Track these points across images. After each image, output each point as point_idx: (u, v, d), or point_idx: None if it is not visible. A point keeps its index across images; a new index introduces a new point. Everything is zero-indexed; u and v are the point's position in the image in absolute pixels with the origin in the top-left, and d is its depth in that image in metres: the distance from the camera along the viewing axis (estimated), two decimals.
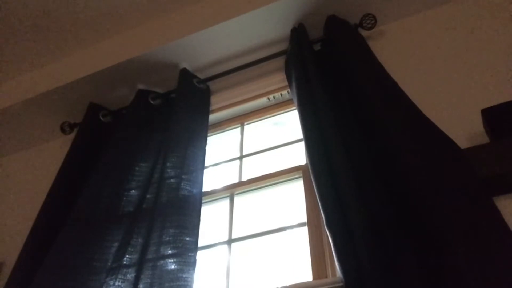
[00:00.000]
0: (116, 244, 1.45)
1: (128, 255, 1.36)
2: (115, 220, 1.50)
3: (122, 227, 1.49)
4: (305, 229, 1.46)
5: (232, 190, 1.73)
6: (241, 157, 1.88)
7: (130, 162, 1.67)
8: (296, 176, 1.66)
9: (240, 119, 2.04)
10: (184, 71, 1.94)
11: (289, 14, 1.81)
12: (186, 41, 1.90)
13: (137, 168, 1.66)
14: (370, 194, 1.19)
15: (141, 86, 2.06)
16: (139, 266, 1.30)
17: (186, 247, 1.33)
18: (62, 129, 2.11)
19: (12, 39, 2.15)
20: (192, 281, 1.27)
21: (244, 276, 1.46)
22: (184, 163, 1.56)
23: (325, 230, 1.33)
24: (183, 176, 1.51)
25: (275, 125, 1.98)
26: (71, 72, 2.11)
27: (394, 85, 1.42)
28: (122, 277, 1.31)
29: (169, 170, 1.53)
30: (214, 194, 1.75)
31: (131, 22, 2.11)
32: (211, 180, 1.86)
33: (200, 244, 1.49)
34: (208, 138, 1.95)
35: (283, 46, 1.92)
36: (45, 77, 2.19)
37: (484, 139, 1.27)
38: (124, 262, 1.34)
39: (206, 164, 1.72)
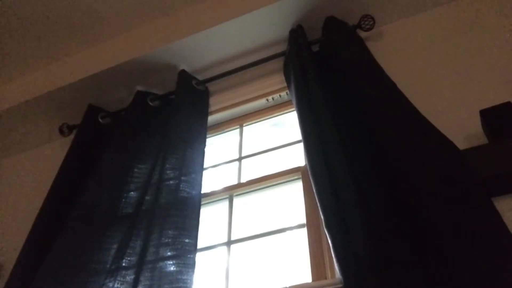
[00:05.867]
0: (115, 246, 1.44)
1: (127, 257, 1.36)
2: (114, 221, 1.50)
3: (121, 229, 1.49)
4: (304, 230, 1.46)
5: (231, 192, 1.73)
6: (240, 159, 1.88)
7: (129, 164, 1.67)
8: (295, 177, 1.66)
9: (239, 121, 2.04)
10: (183, 73, 1.94)
11: (288, 15, 1.81)
12: (185, 42, 1.90)
13: (136, 170, 1.66)
14: (369, 196, 1.19)
15: (139, 88, 2.06)
16: (138, 268, 1.30)
17: (185, 249, 1.33)
18: (61, 131, 2.11)
19: (10, 41, 2.15)
20: (191, 283, 1.27)
21: (244, 278, 1.46)
22: (183, 164, 1.56)
23: (324, 232, 1.33)
24: (182, 178, 1.51)
25: (274, 126, 1.98)
26: (70, 74, 2.10)
27: (393, 86, 1.42)
28: (121, 279, 1.31)
29: (168, 172, 1.53)
30: (213, 196, 1.75)
31: (129, 24, 2.11)
32: (210, 181, 1.86)
33: (199, 246, 1.48)
34: (207, 139, 1.95)
35: (282, 47, 1.92)
36: (44, 79, 2.19)
37: (483, 140, 1.27)
38: (123, 264, 1.34)
39: (205, 166, 1.72)
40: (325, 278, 1.29)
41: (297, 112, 1.52)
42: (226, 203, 1.72)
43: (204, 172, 1.72)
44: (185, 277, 1.27)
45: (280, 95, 1.95)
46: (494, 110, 1.22)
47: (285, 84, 1.87)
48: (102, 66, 2.02)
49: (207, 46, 1.93)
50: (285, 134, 1.89)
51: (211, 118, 2.02)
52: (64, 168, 1.83)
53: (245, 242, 1.55)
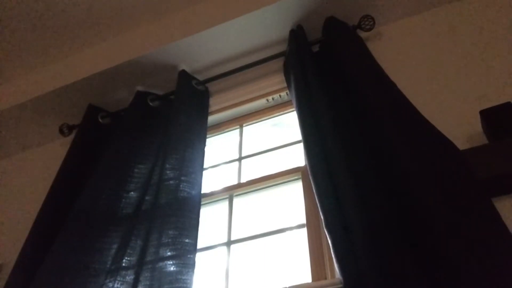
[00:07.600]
0: (115, 246, 1.44)
1: (127, 257, 1.36)
2: (114, 222, 1.50)
3: (121, 229, 1.49)
4: (304, 230, 1.46)
5: (231, 192, 1.73)
6: (240, 159, 1.88)
7: (129, 164, 1.67)
8: (295, 177, 1.66)
9: (239, 121, 2.04)
10: (183, 73, 1.94)
11: (288, 15, 1.81)
12: (185, 42, 1.90)
13: (136, 170, 1.66)
14: (369, 196, 1.19)
15: (139, 88, 2.06)
16: (138, 268, 1.30)
17: (185, 249, 1.33)
18: (61, 131, 2.11)
19: (10, 41, 2.15)
20: (191, 283, 1.27)
21: (243, 278, 1.46)
22: (183, 164, 1.56)
23: (324, 232, 1.33)
24: (182, 178, 1.51)
25: (274, 126, 1.98)
26: (70, 73, 2.10)
27: (393, 86, 1.42)
28: (121, 279, 1.31)
29: (168, 172, 1.52)
30: (213, 196, 1.75)
31: (129, 23, 2.11)
32: (210, 181, 1.86)
33: (199, 246, 1.48)
34: (207, 139, 1.95)
35: (282, 47, 1.92)
36: (44, 79, 2.19)
37: (483, 140, 1.27)
38: (123, 264, 1.34)
39: (205, 166, 1.72)
40: (325, 278, 1.29)
41: (297, 112, 1.52)
42: (226, 203, 1.72)
43: (204, 172, 1.72)
44: (185, 277, 1.27)
45: (280, 95, 1.94)
46: (494, 110, 1.22)
47: (285, 84, 1.86)
48: (102, 66, 2.02)
49: (207, 46, 1.93)
50: (285, 134, 1.89)
51: (211, 118, 2.02)
52: (64, 168, 1.83)
53: (245, 242, 1.55)
